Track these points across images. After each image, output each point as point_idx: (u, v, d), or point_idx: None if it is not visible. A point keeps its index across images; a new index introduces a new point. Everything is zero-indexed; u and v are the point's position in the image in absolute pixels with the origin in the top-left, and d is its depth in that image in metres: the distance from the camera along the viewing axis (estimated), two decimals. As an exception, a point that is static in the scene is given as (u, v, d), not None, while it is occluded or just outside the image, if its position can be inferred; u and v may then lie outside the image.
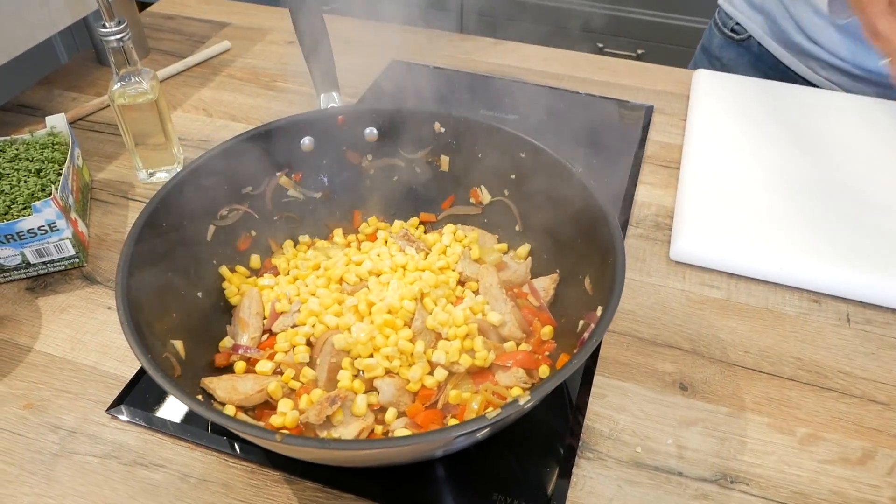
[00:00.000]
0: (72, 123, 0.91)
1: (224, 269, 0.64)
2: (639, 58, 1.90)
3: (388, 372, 0.56)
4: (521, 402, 0.43)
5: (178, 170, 0.83)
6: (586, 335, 0.50)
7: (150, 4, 1.20)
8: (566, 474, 0.54)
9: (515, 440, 0.56)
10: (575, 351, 0.46)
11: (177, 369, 0.52)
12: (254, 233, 0.67)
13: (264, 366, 0.57)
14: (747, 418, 0.59)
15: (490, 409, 0.49)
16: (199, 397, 0.48)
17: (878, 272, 0.68)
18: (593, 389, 0.60)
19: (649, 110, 0.94)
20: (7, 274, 0.69)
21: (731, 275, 0.71)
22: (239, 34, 1.11)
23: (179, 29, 1.13)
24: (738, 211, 0.74)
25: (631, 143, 0.88)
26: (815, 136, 0.85)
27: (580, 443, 0.56)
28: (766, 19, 1.01)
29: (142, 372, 0.62)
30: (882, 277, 0.67)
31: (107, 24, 0.71)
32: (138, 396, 0.60)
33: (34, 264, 0.69)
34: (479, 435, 0.48)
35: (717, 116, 0.89)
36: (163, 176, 0.83)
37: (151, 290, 0.54)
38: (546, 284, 0.62)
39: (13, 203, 0.68)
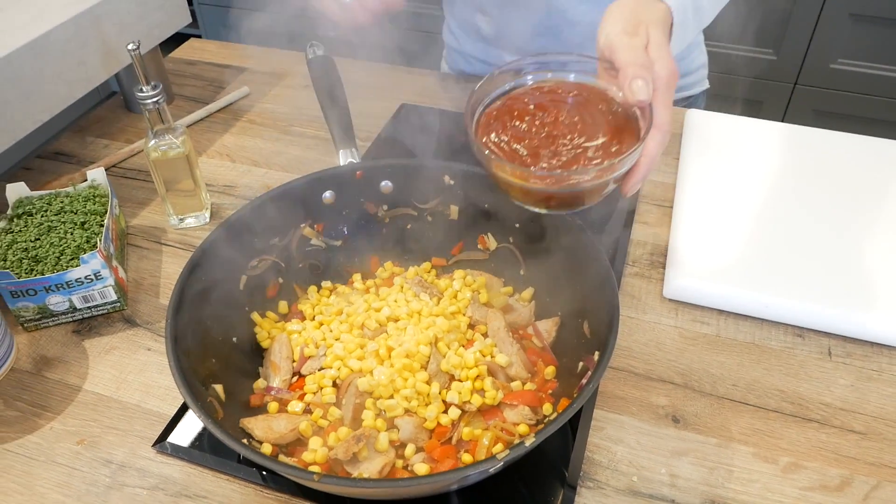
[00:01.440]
0: (106, 170, 0.97)
1: (255, 315, 0.70)
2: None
3: (406, 411, 0.62)
4: (527, 443, 0.49)
5: (207, 215, 0.90)
6: (584, 381, 0.56)
7: (172, 41, 1.27)
8: (570, 502, 0.60)
9: (524, 471, 0.61)
10: (575, 394, 0.52)
11: (219, 412, 0.58)
12: (281, 280, 0.74)
13: (295, 406, 0.63)
14: (734, 448, 0.64)
15: (499, 444, 0.55)
16: (244, 440, 0.55)
17: (859, 308, 0.73)
18: (593, 423, 0.66)
19: (645, 149, 1.00)
20: (56, 318, 0.76)
21: (720, 311, 0.77)
22: (256, 79, 1.18)
23: (200, 75, 1.20)
24: (727, 249, 0.80)
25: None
26: (803, 175, 0.91)
27: (581, 473, 0.62)
28: None
29: (183, 409, 0.68)
30: (862, 313, 0.73)
31: (144, 89, 0.78)
32: (180, 432, 0.66)
33: (80, 309, 0.76)
34: (491, 470, 0.53)
35: (708, 155, 0.94)
36: (192, 222, 0.89)
37: (192, 337, 0.61)
38: (548, 327, 0.68)
39: (62, 254, 0.74)
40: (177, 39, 1.29)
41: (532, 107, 0.60)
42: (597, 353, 0.57)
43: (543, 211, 0.60)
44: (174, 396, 0.69)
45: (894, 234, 0.82)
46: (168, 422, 0.67)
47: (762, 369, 0.71)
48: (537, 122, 0.59)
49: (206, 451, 0.64)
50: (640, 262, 0.83)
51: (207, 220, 0.90)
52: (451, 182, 0.75)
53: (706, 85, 1.20)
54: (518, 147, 0.57)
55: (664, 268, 0.81)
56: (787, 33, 1.97)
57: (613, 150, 0.56)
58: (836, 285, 0.76)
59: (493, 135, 0.59)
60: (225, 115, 1.10)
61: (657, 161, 0.58)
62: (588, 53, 0.62)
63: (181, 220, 0.89)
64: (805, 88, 2.07)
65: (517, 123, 0.59)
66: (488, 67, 1.15)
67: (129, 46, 0.74)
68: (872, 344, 0.73)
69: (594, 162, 0.56)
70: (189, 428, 0.66)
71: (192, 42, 1.30)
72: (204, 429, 0.66)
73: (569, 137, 0.57)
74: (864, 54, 1.96)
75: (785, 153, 0.94)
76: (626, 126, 0.58)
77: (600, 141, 0.57)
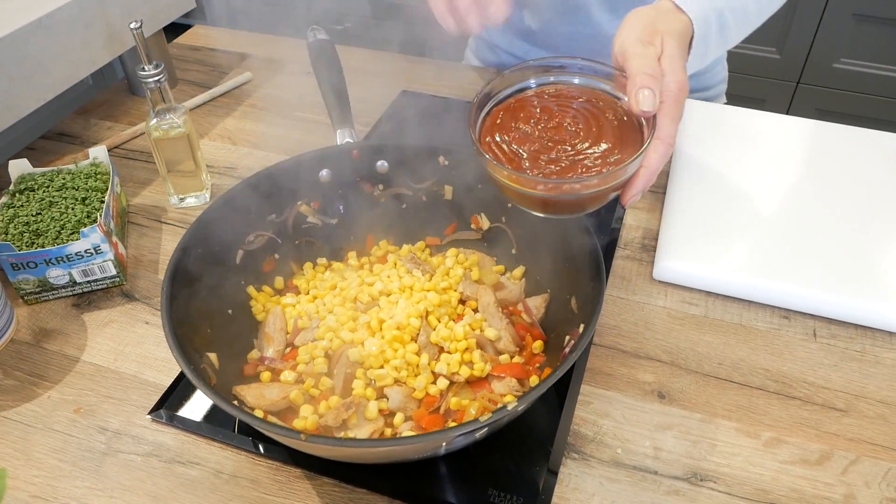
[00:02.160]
0: (109, 150, 0.99)
1: (251, 289, 0.72)
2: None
3: (396, 381, 0.63)
4: (510, 407, 0.50)
5: (206, 195, 0.91)
6: (566, 350, 0.57)
7: (178, 30, 1.29)
8: (554, 472, 0.61)
9: (510, 442, 0.63)
10: (558, 363, 0.53)
11: (213, 378, 0.60)
12: (277, 256, 0.75)
13: (288, 375, 0.64)
14: (718, 423, 0.65)
15: (486, 413, 0.56)
16: (235, 402, 0.56)
17: (844, 290, 0.74)
18: (580, 397, 0.67)
19: (640, 138, 1.02)
20: (56, 291, 0.77)
21: (709, 293, 0.78)
22: (259, 65, 1.19)
23: (204, 60, 1.21)
24: (716, 233, 0.81)
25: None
26: (792, 163, 0.92)
27: (567, 444, 0.63)
28: None
29: (178, 380, 0.69)
30: (847, 295, 0.74)
31: (146, 68, 0.79)
32: (175, 402, 0.67)
33: (80, 283, 0.77)
34: (476, 435, 0.55)
35: (701, 144, 0.96)
36: (192, 201, 0.91)
37: (189, 308, 0.62)
38: (538, 303, 0.70)
39: (62, 229, 0.76)
40: (182, 28, 1.31)
41: (538, 110, 0.59)
42: (582, 325, 0.59)
43: (541, 215, 0.59)
44: (171, 368, 0.71)
45: (880, 220, 0.83)
46: (164, 392, 0.68)
47: (748, 349, 0.72)
48: (541, 126, 0.58)
49: (201, 419, 0.65)
50: (632, 246, 0.84)
51: (207, 199, 0.91)
52: (446, 163, 0.76)
53: (724, 100, 1.20)
54: (520, 150, 0.57)
55: (655, 251, 0.83)
56: (790, 32, 1.98)
57: (614, 159, 0.55)
58: (822, 268, 0.77)
59: (497, 135, 0.58)
60: (227, 99, 1.11)
61: (657, 173, 0.57)
62: (602, 60, 0.61)
63: (181, 199, 0.91)
64: (808, 87, 2.07)
65: (521, 126, 0.58)
66: (516, 60, 1.16)
67: (132, 25, 0.76)
68: (857, 326, 0.74)
69: (593, 170, 0.55)
70: (184, 397, 0.67)
71: (196, 29, 1.31)
72: (199, 398, 0.67)
73: (571, 144, 0.57)
74: (866, 54, 1.97)
75: (776, 142, 0.95)
76: (630, 136, 0.57)
77: (602, 149, 0.56)
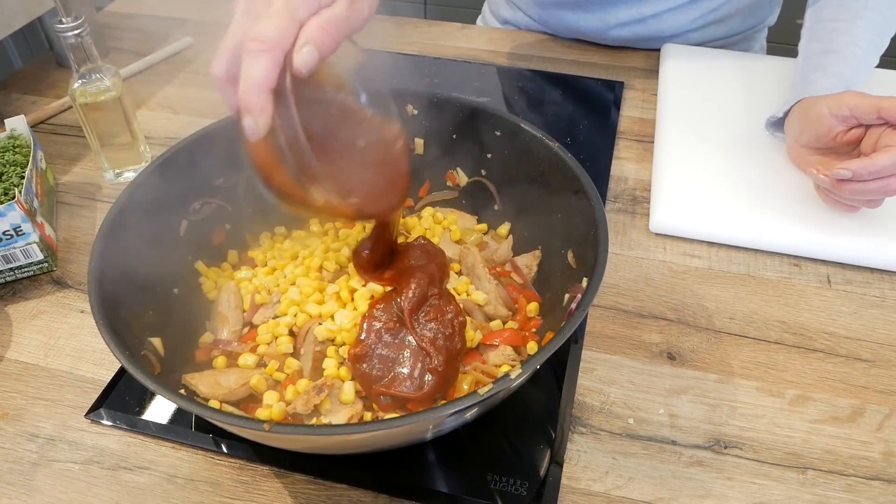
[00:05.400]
0: (33, 127, 0.88)
1: (200, 265, 0.62)
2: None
3: (374, 358, 0.55)
4: (513, 375, 0.42)
5: (146, 166, 0.81)
6: (573, 306, 0.49)
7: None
8: (560, 450, 0.53)
9: (507, 420, 0.55)
10: (563, 324, 0.45)
11: (156, 367, 0.51)
12: (228, 226, 0.66)
13: (247, 359, 0.55)
14: (736, 383, 0.59)
15: (482, 386, 0.49)
16: (182, 393, 0.47)
17: (857, 233, 0.68)
18: (582, 364, 0.60)
19: (620, 86, 0.94)
20: (-27, 282, 0.67)
21: (711, 243, 0.71)
22: (200, 30, 1.08)
23: (139, 27, 1.10)
24: (714, 180, 0.75)
25: (603, 119, 0.88)
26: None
27: (572, 418, 0.56)
28: None
29: (120, 374, 0.60)
30: (860, 238, 0.68)
31: (63, 20, 0.69)
32: (118, 399, 0.58)
33: (1, 271, 0.67)
34: (471, 413, 0.47)
35: (687, 89, 0.89)
36: (130, 175, 0.81)
37: (125, 288, 0.52)
38: (528, 261, 0.62)
39: (-25, 209, 0.65)
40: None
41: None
42: (585, 279, 0.51)
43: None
44: (111, 361, 0.61)
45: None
46: (104, 388, 0.59)
47: (760, 300, 0.65)
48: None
49: (149, 417, 0.56)
50: (623, 198, 0.77)
51: (147, 173, 0.81)
52: (415, 112, 0.67)
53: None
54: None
55: (648, 203, 0.75)
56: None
57: None
58: (831, 211, 0.70)
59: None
60: (167, 66, 1.01)
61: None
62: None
63: (118, 174, 0.81)
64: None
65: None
66: (531, 22, 1.09)
67: (42, -32, 0.66)
68: (872, 270, 0.68)
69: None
70: (127, 393, 0.58)
71: (129, -5, 1.20)
72: (144, 393, 0.58)
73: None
74: None
75: (766, 83, 0.89)
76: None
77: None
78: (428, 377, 0.51)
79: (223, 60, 0.46)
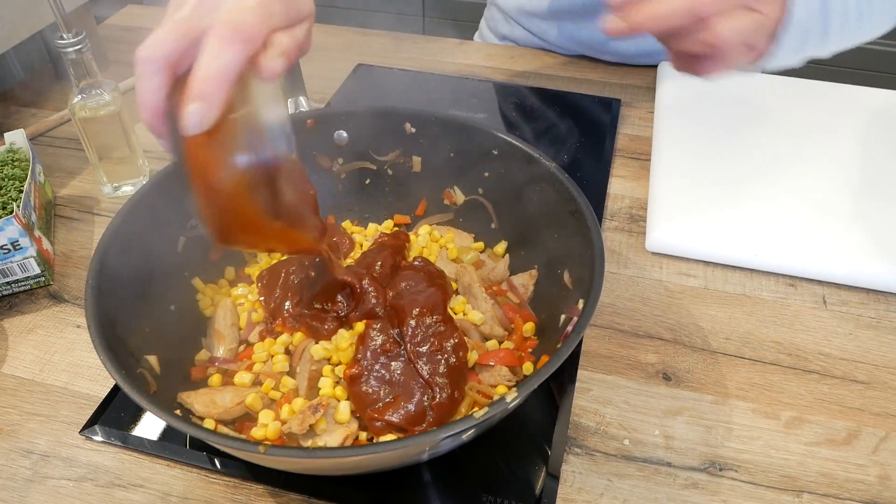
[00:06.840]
0: (32, 139, 0.88)
1: (197, 281, 0.62)
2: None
3: (370, 377, 0.54)
4: (508, 399, 0.42)
5: (145, 182, 0.81)
6: (569, 328, 0.50)
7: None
8: (555, 471, 0.53)
9: (502, 440, 0.55)
10: (558, 345, 0.46)
11: (152, 385, 0.51)
12: (225, 242, 0.66)
13: (243, 377, 0.55)
14: (732, 405, 0.59)
15: (476, 409, 0.49)
16: (178, 412, 0.47)
17: (852, 254, 0.68)
18: (577, 384, 0.60)
19: (617, 104, 0.95)
20: (-31, 297, 0.67)
21: (707, 263, 0.71)
22: (201, 43, 1.09)
23: (139, 40, 1.10)
24: (710, 199, 0.75)
25: (600, 137, 0.89)
26: (782, 122, 0.86)
27: (567, 438, 0.56)
28: None
29: (115, 391, 0.60)
30: (856, 259, 0.68)
31: (64, 36, 0.69)
32: (113, 416, 0.58)
33: (-2, 285, 0.67)
34: (466, 436, 0.47)
35: (684, 106, 0.89)
36: (129, 189, 0.81)
37: (122, 305, 0.52)
38: (525, 281, 0.62)
39: (-27, 223, 0.66)
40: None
41: None
42: (581, 300, 0.51)
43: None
44: (107, 377, 0.61)
45: (884, 179, 0.77)
46: (99, 405, 0.59)
47: (756, 321, 0.66)
48: None
49: (144, 435, 0.56)
50: (619, 216, 0.77)
51: (145, 187, 0.81)
52: (413, 130, 0.68)
53: None
54: None
55: (645, 221, 0.76)
56: None
57: None
58: (827, 231, 0.71)
59: None
60: (166, 80, 1.01)
61: None
62: None
63: (116, 188, 0.81)
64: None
65: None
66: (530, 36, 1.09)
67: (44, -15, 0.66)
68: (868, 291, 0.69)
69: None
70: (123, 410, 0.58)
71: (129, 8, 1.20)
72: (139, 410, 0.58)
73: None
74: None
75: (764, 102, 0.89)
76: None
77: None
78: (429, 414, 0.50)
79: (170, 42, 0.41)
